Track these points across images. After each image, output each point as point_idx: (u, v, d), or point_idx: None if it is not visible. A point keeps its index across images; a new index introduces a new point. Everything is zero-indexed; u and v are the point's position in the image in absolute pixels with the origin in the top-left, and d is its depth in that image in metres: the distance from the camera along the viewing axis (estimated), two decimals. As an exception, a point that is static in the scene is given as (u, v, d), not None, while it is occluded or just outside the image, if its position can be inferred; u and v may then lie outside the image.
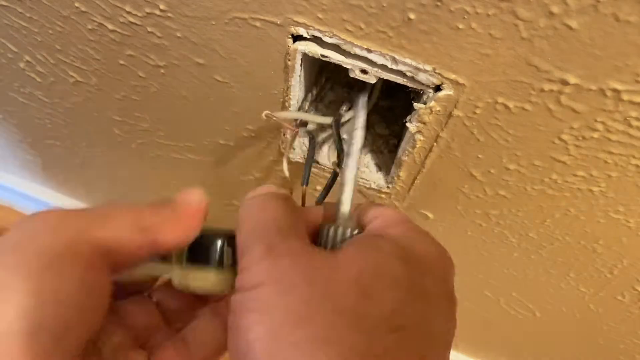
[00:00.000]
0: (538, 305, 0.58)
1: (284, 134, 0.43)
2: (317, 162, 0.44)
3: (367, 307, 0.20)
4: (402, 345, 0.20)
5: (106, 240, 0.21)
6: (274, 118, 0.36)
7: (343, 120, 0.39)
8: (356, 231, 0.25)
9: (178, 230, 0.24)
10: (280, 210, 0.24)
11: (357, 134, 0.32)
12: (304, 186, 0.34)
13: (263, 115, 0.36)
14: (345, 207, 0.27)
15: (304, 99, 0.41)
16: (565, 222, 0.41)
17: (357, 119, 0.34)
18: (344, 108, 0.40)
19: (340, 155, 0.36)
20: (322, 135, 0.43)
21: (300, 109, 0.41)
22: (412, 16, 0.28)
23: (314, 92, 0.41)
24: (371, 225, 0.26)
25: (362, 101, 0.35)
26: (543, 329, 0.62)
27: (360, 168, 0.43)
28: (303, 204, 0.33)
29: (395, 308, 0.21)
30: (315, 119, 0.40)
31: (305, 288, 0.20)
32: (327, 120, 0.39)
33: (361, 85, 0.40)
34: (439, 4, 0.27)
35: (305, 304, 0.20)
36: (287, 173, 0.36)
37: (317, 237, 0.26)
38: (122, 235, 0.22)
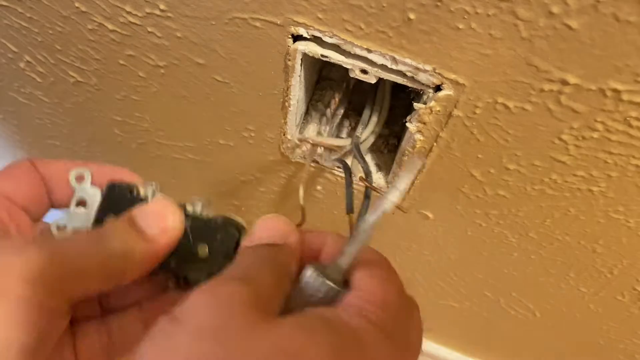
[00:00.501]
0: (538, 305, 0.58)
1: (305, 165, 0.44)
2: (317, 162, 0.44)
3: None
4: None
5: (66, 285, 0.23)
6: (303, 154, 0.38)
7: (362, 139, 0.41)
8: (332, 288, 0.23)
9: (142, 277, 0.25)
10: (271, 274, 0.23)
11: (392, 195, 0.26)
12: (350, 214, 0.34)
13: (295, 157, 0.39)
14: (343, 260, 0.24)
15: (320, 122, 0.42)
16: (565, 222, 0.41)
17: (397, 184, 0.28)
18: (360, 129, 0.41)
19: (367, 173, 0.37)
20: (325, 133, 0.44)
21: (318, 132, 0.43)
22: (412, 16, 0.28)
23: (329, 113, 0.42)
24: (349, 297, 0.23)
25: (406, 178, 0.29)
26: (543, 329, 0.62)
27: (357, 166, 0.43)
28: (351, 231, 0.32)
29: None
30: (335, 142, 0.41)
31: (215, 344, 0.19)
32: (347, 142, 0.41)
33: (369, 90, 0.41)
34: (439, 4, 0.27)
35: None
36: (302, 201, 0.36)
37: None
38: (85, 284, 0.23)
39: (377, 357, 0.21)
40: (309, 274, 0.23)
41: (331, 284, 0.23)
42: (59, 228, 0.27)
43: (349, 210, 0.35)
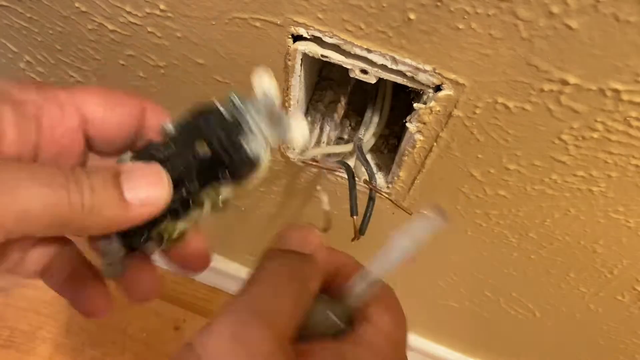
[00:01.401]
0: (538, 305, 0.58)
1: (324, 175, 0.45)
2: (316, 161, 0.44)
3: None
4: None
5: None
6: (308, 163, 0.39)
7: (364, 141, 0.41)
8: (340, 328, 0.24)
9: None
10: (292, 302, 0.23)
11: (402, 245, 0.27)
12: (354, 217, 0.35)
13: (297, 161, 0.39)
14: (353, 300, 0.25)
15: (323, 132, 0.43)
16: (565, 222, 0.41)
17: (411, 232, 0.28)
18: (362, 130, 0.41)
19: (371, 175, 0.38)
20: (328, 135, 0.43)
21: (320, 141, 0.43)
22: (412, 16, 0.28)
23: (336, 118, 0.43)
24: (360, 329, 0.24)
25: (417, 233, 0.28)
26: (543, 329, 0.62)
27: (361, 168, 0.43)
28: (355, 234, 0.34)
29: None
30: (337, 149, 0.42)
31: None
32: (349, 148, 0.41)
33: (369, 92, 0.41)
34: (439, 4, 0.27)
35: None
36: (327, 207, 0.36)
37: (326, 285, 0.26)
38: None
39: None
40: (320, 309, 0.24)
41: (340, 324, 0.24)
42: None
43: (353, 213, 0.35)
